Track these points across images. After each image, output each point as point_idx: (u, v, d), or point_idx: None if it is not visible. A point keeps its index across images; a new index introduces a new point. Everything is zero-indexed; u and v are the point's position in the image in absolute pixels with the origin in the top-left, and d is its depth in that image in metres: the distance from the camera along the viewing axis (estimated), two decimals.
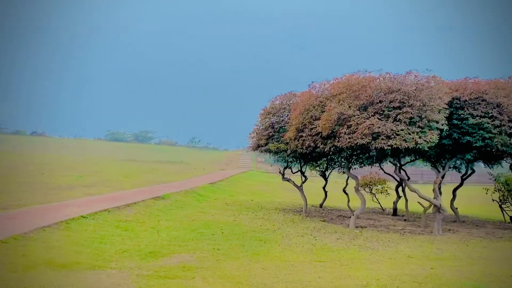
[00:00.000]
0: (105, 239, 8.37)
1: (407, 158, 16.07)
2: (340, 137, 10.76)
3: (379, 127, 10.04)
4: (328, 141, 11.47)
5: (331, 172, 17.91)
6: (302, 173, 15.88)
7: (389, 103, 10.43)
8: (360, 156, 15.06)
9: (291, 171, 16.33)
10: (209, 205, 15.69)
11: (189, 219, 11.74)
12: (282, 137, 13.92)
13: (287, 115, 14.81)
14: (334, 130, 11.06)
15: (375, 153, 12.07)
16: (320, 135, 11.72)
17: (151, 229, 9.90)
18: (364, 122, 10.29)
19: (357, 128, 10.38)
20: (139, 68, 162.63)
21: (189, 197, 16.72)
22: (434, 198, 11.92)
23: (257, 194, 22.66)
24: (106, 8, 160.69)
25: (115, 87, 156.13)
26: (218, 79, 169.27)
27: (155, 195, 14.95)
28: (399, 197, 16.60)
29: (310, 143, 11.99)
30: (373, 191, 17.99)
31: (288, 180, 15.59)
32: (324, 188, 17.85)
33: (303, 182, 15.66)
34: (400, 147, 9.85)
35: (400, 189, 16.44)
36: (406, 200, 15.53)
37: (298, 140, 12.57)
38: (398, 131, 10.00)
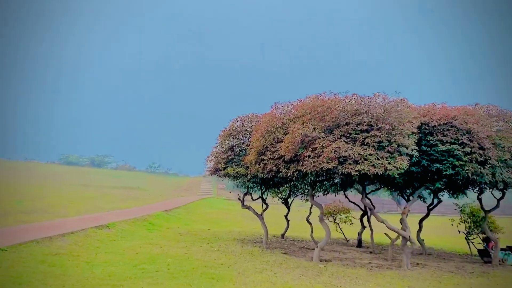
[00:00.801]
0: (22, 278, 6.85)
1: (372, 186, 15.43)
2: (304, 161, 9.83)
3: (346, 151, 9.19)
4: (291, 165, 10.53)
5: (293, 199, 16.94)
6: (263, 200, 14.79)
7: (357, 126, 9.68)
8: (324, 183, 14.26)
9: (252, 198, 15.21)
10: (159, 235, 14.21)
11: (133, 252, 10.28)
12: (242, 160, 12.92)
13: (248, 138, 13.86)
14: (298, 154, 10.15)
15: (340, 180, 11.23)
16: (282, 158, 10.79)
17: (84, 264, 8.41)
18: (330, 145, 9.44)
19: (322, 152, 9.50)
20: (97, 89, 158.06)
21: (138, 226, 15.16)
22: (402, 229, 11.14)
23: (215, 223, 21.28)
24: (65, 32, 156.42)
25: (72, 108, 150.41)
26: (180, 101, 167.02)
27: (98, 224, 13.36)
28: (363, 227, 15.81)
29: (272, 167, 11.02)
30: (336, 221, 17.14)
31: (248, 207, 14.44)
32: (286, 216, 16.82)
33: (264, 210, 14.55)
34: (368, 173, 9.01)
35: (365, 219, 15.69)
36: (372, 230, 14.75)
37: (259, 164, 11.57)
38: (366, 155, 9.19)
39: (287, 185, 15.72)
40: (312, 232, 13.84)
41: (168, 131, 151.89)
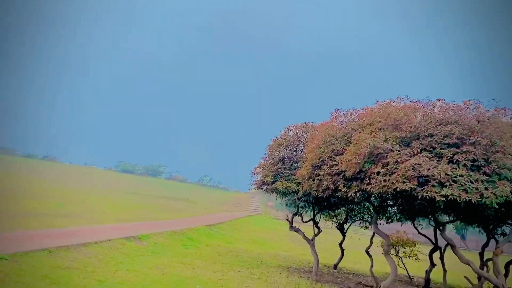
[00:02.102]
0: None
1: (444, 216, 12.98)
2: (372, 178, 7.88)
3: (429, 169, 7.13)
4: (354, 184, 8.61)
5: (350, 225, 14.76)
6: (315, 224, 12.81)
7: (443, 138, 7.60)
8: (388, 208, 12.07)
9: (302, 220, 13.23)
10: (195, 253, 12.65)
11: (159, 272, 8.75)
12: (294, 175, 11.18)
13: (302, 149, 12.11)
14: (363, 169, 8.21)
15: (417, 205, 9.08)
16: (342, 175, 8.90)
17: (95, 283, 6.96)
18: (407, 160, 7.43)
19: (396, 168, 7.51)
20: (157, 102, 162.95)
21: (174, 240, 13.73)
22: (486, 272, 8.76)
23: (260, 244, 19.47)
24: (123, 29, 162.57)
25: (131, 120, 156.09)
26: (233, 117, 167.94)
27: (130, 234, 12.07)
28: (433, 265, 13.30)
29: (329, 185, 9.14)
30: (399, 254, 14.71)
31: (297, 230, 12.56)
32: (340, 244, 14.65)
33: (315, 235, 12.57)
34: (458, 199, 6.88)
35: (435, 255, 13.18)
36: (445, 270, 12.20)
37: (313, 180, 9.74)
38: (455, 176, 7.07)
39: (344, 208, 13.69)
40: (372, 266, 11.66)
41: (221, 145, 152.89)
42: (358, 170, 8.28)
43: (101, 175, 68.56)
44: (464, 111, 8.14)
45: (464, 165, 7.19)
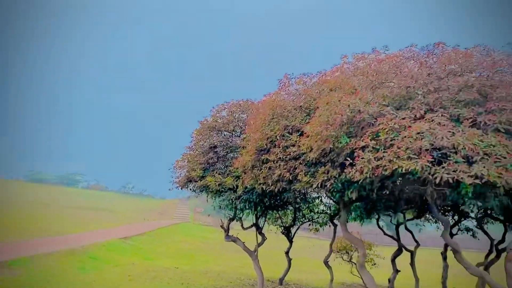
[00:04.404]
0: None
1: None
2: (356, 157, 5.14)
3: (447, 138, 4.57)
4: (320, 169, 5.85)
5: (298, 228, 12.06)
6: (259, 230, 9.92)
7: (457, 93, 5.12)
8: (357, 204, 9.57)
9: (242, 226, 10.23)
10: (96, 279, 9.13)
11: None
12: (231, 166, 8.25)
13: (240, 134, 9.25)
14: (338, 146, 5.47)
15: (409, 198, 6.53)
16: (302, 158, 6.14)
17: None
18: (410, 126, 4.82)
19: (393, 140, 4.86)
20: (67, 101, 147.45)
21: (68, 262, 10.05)
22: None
23: (187, 258, 16.13)
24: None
25: (40, 121, 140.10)
26: (157, 114, 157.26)
27: (2, 258, 8.30)
28: (396, 271, 11.14)
29: (284, 174, 6.32)
30: (353, 260, 12.40)
31: (235, 240, 9.62)
32: (287, 253, 11.94)
33: (258, 245, 9.71)
34: (498, 183, 4.35)
35: (401, 259, 11.03)
36: (417, 279, 10.07)
37: (259, 169, 6.88)
38: (484, 146, 4.58)
39: (291, 207, 11.01)
40: (332, 280, 9.09)
41: (143, 149, 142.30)
42: (329, 148, 5.55)
43: (9, 186, 60.11)
44: (471, 59, 5.76)
45: (496, 129, 4.74)
